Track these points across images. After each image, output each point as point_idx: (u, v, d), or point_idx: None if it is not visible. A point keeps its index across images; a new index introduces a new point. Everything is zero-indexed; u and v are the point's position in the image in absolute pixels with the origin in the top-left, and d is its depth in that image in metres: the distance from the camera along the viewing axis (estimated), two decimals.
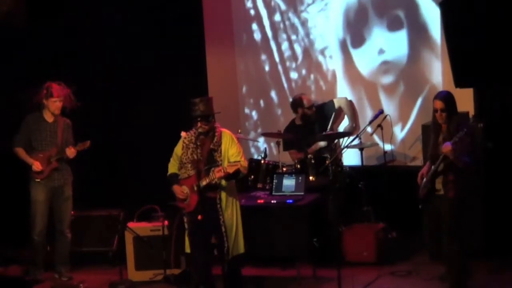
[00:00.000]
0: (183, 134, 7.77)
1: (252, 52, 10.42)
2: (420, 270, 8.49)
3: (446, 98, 7.57)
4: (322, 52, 10.08)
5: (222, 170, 7.37)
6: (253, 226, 8.23)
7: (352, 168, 9.46)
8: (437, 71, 9.49)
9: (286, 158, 9.54)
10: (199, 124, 7.53)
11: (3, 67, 9.99)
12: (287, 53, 10.26)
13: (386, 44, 9.70)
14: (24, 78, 9.24)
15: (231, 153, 7.57)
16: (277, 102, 10.38)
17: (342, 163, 9.27)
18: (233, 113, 10.36)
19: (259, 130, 10.37)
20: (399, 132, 9.73)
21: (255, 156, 9.96)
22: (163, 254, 8.56)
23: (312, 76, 10.16)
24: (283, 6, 10.23)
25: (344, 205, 8.97)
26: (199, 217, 7.40)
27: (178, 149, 7.74)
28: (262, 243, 8.56)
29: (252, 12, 10.38)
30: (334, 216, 8.58)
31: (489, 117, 8.81)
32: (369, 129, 9.28)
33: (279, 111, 10.37)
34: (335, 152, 9.01)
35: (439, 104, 7.52)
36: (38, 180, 8.76)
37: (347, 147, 8.80)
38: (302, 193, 8.70)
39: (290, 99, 9.85)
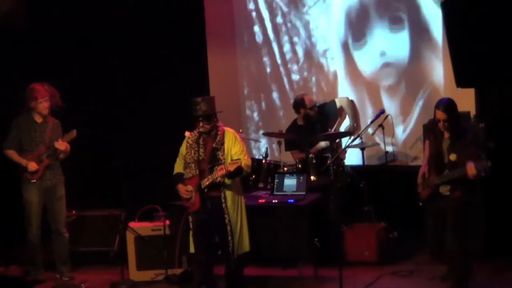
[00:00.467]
0: (187, 134, 7.79)
1: (254, 53, 10.43)
2: (421, 270, 8.47)
3: (449, 108, 7.45)
4: (324, 53, 10.09)
5: (224, 168, 7.36)
6: (254, 226, 8.20)
7: (354, 168, 9.46)
8: (439, 71, 9.49)
9: (288, 158, 9.54)
10: (200, 124, 7.54)
11: (3, 67, 9.99)
12: (288, 55, 10.27)
13: (388, 45, 9.71)
14: (24, 78, 9.23)
15: (234, 151, 7.56)
16: (278, 103, 10.38)
17: (343, 162, 9.27)
18: (234, 113, 10.35)
19: (261, 131, 10.36)
20: (400, 132, 9.73)
21: (257, 156, 9.96)
22: (165, 254, 8.55)
23: (313, 77, 10.17)
24: (285, 8, 10.24)
25: (345, 204, 8.94)
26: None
27: (183, 149, 7.74)
28: (264, 243, 8.57)
29: (254, 13, 10.39)
30: (335, 216, 8.55)
31: (490, 117, 8.82)
32: (370, 129, 9.28)
33: (280, 112, 10.37)
34: (337, 152, 9.00)
35: (442, 115, 7.43)
36: (34, 180, 8.68)
37: (348, 147, 8.79)
38: (304, 193, 8.69)
39: (292, 100, 9.85)
